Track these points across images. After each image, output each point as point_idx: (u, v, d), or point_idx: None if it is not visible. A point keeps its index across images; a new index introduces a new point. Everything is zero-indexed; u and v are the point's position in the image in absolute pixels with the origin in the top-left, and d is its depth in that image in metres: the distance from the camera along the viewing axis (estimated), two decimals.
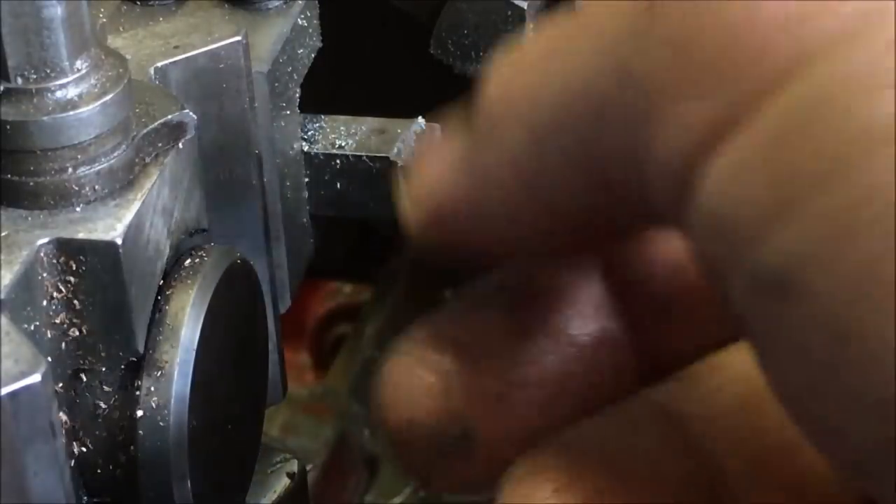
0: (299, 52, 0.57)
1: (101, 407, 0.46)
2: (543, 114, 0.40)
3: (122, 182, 0.45)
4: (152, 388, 0.46)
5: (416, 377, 0.46)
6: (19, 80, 0.43)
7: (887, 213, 0.31)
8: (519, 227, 0.43)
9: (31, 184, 0.44)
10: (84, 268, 0.44)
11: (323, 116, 0.59)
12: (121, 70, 0.45)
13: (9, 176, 0.44)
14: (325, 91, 0.58)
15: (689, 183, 0.35)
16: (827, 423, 0.34)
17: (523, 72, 0.41)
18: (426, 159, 0.46)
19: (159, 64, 0.51)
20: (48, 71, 0.43)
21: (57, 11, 0.42)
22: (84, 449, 0.46)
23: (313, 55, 0.58)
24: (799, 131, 0.32)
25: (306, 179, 0.59)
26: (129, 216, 0.44)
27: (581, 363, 0.46)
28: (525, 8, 0.60)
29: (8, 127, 0.43)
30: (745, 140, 0.33)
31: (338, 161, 0.58)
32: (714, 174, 0.34)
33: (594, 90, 0.38)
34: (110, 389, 0.46)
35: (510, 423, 0.46)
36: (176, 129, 0.47)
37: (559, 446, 0.44)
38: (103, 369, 0.45)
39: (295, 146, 0.58)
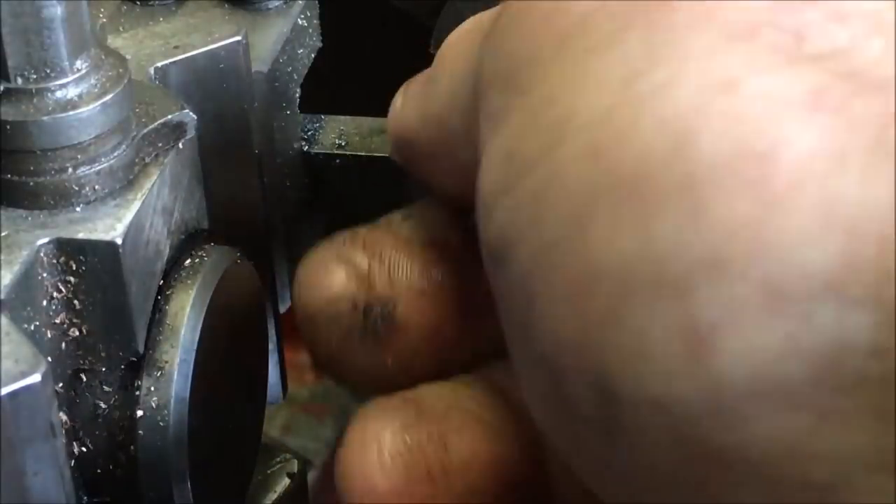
0: (299, 52, 0.57)
1: (101, 407, 0.46)
2: (457, 76, 0.45)
3: (122, 182, 0.45)
4: (152, 388, 0.46)
5: (338, 263, 0.49)
6: (19, 80, 0.43)
7: (564, 200, 0.35)
8: (446, 179, 0.47)
9: (31, 184, 0.44)
10: (84, 268, 0.44)
11: (323, 116, 0.59)
12: (121, 70, 0.45)
13: (9, 176, 0.44)
14: (325, 91, 0.58)
15: (481, 159, 0.40)
16: (519, 375, 0.39)
17: (464, 35, 0.46)
18: (417, 78, 0.50)
19: (159, 64, 0.51)
20: (48, 71, 0.43)
21: (57, 11, 0.42)
22: (84, 449, 0.46)
23: (313, 55, 0.58)
24: (527, 120, 0.37)
25: (306, 179, 0.59)
26: (129, 216, 0.44)
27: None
28: None
29: (8, 127, 0.43)
30: (503, 122, 0.39)
31: (338, 161, 0.58)
32: (485, 152, 0.39)
33: (474, 69, 0.43)
34: (110, 389, 0.46)
35: (429, 316, 0.48)
36: (176, 129, 0.47)
37: (411, 395, 0.48)
38: (103, 369, 0.45)
39: (295, 146, 0.58)
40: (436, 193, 0.50)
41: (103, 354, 0.45)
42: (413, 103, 0.49)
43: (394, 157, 0.52)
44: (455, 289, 0.48)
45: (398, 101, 0.50)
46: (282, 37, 0.55)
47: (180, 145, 0.47)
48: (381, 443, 0.46)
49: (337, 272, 0.48)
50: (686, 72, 0.34)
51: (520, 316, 0.38)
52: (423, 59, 0.62)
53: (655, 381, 0.33)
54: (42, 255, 0.43)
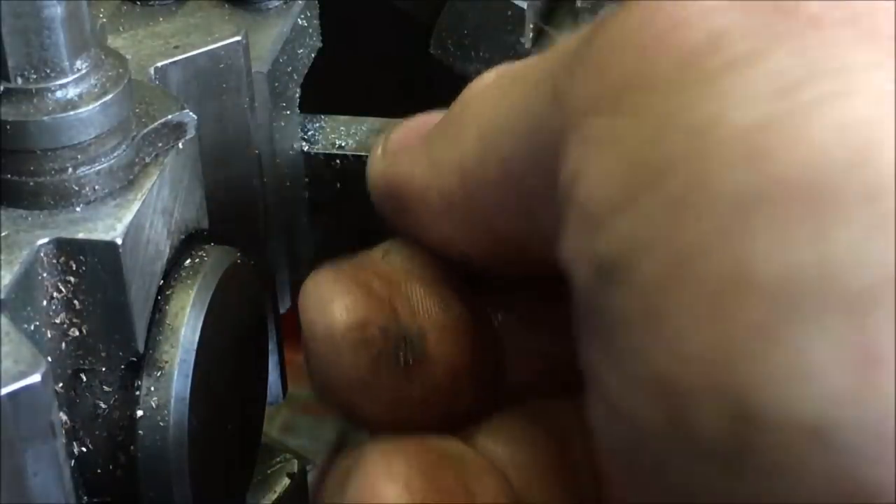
0: (299, 52, 0.57)
1: (101, 407, 0.46)
2: (490, 130, 0.43)
3: (122, 182, 0.45)
4: (152, 388, 0.46)
5: (357, 286, 0.46)
6: (19, 80, 0.43)
7: (711, 206, 0.33)
8: (458, 225, 0.45)
9: (31, 184, 0.44)
10: (84, 268, 0.44)
11: (323, 116, 0.59)
12: (121, 70, 0.45)
13: (9, 176, 0.44)
14: (325, 91, 0.58)
15: (575, 181, 0.38)
16: (615, 402, 0.36)
17: (493, 84, 0.44)
18: (403, 130, 0.48)
19: (159, 64, 0.51)
20: (48, 71, 0.43)
21: (57, 11, 0.42)
22: (84, 449, 0.46)
23: (313, 55, 0.58)
24: (653, 132, 0.35)
25: (306, 179, 0.59)
26: (129, 216, 0.44)
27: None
28: (525, 8, 0.60)
29: (8, 127, 0.43)
30: (614, 140, 0.36)
31: (338, 161, 0.58)
32: (591, 169, 0.37)
33: (531, 112, 0.41)
34: (110, 389, 0.46)
35: (452, 351, 0.47)
36: (176, 129, 0.47)
37: (423, 440, 0.45)
38: (103, 369, 0.45)
39: (295, 146, 0.58)
40: (423, 243, 0.48)
41: (103, 354, 0.45)
42: (416, 155, 0.47)
43: (379, 210, 0.49)
44: (470, 327, 0.47)
45: (377, 152, 0.48)
46: (282, 37, 0.55)
47: (180, 145, 0.47)
48: (408, 484, 0.43)
49: (358, 295, 0.46)
50: (858, 82, 0.33)
51: (634, 335, 0.35)
52: (423, 59, 0.62)
53: (813, 404, 0.31)
54: (42, 255, 0.43)
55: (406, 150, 0.47)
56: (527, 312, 0.50)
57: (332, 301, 0.46)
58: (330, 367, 0.46)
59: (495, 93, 0.44)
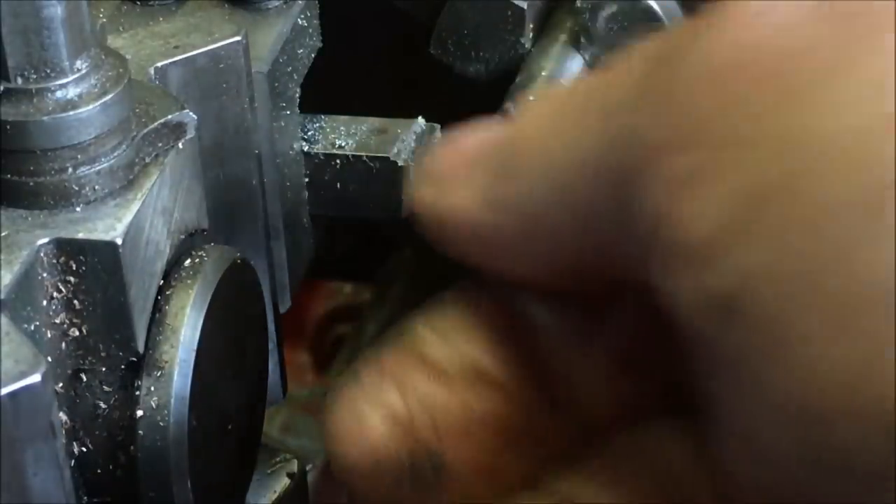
0: (299, 52, 0.57)
1: (101, 407, 0.46)
2: (553, 169, 0.42)
3: (122, 182, 0.45)
4: (152, 388, 0.46)
5: (372, 408, 0.46)
6: (19, 80, 0.43)
7: (825, 221, 0.33)
8: (516, 260, 0.45)
9: (31, 184, 0.44)
10: (84, 268, 0.44)
11: (323, 116, 0.59)
12: (121, 70, 0.45)
13: (9, 176, 0.44)
14: (325, 91, 0.58)
15: (663, 221, 0.37)
16: (750, 435, 0.36)
17: (546, 115, 0.44)
18: (448, 153, 0.47)
19: (159, 64, 0.51)
20: (48, 71, 0.43)
21: (57, 11, 0.42)
22: (84, 449, 0.46)
23: (313, 55, 0.58)
24: (749, 160, 0.35)
25: (306, 179, 0.59)
26: (129, 216, 0.44)
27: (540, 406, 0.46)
28: (525, 8, 0.60)
29: (8, 127, 0.43)
30: (705, 177, 0.36)
31: (338, 161, 0.58)
32: (683, 209, 0.36)
33: (593, 151, 0.40)
34: (110, 389, 0.46)
35: (479, 455, 0.46)
36: (176, 129, 0.47)
37: None
38: (103, 369, 0.45)
39: (295, 146, 0.58)
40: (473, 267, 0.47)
41: (103, 354, 0.45)
42: (466, 189, 0.45)
43: (442, 249, 0.48)
44: (498, 417, 0.46)
45: (421, 175, 0.47)
46: (282, 37, 0.55)
47: (180, 145, 0.47)
48: None
49: (373, 420, 0.46)
50: None
51: (762, 366, 0.35)
52: (423, 59, 0.62)
53: None
54: (42, 255, 0.43)
55: (454, 181, 0.46)
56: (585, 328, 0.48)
57: (345, 432, 0.46)
58: (352, 490, 0.47)
59: (549, 128, 0.43)
